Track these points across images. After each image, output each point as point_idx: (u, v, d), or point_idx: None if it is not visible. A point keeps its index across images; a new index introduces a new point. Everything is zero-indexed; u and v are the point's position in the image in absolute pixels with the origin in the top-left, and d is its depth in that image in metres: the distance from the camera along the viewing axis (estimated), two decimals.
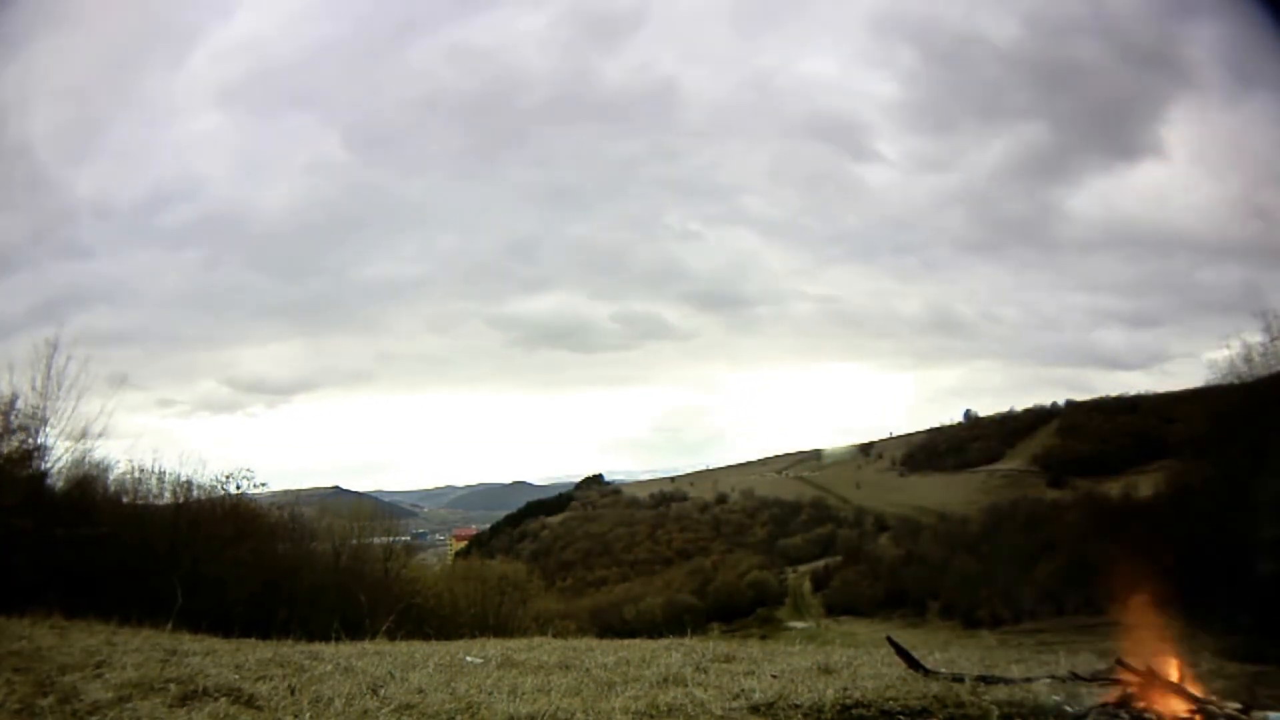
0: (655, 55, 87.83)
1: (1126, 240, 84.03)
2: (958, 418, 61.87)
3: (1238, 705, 4.10)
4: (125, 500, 13.93)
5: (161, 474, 14.28)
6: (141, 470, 14.09)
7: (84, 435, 12.44)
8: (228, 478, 15.09)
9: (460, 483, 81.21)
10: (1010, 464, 54.53)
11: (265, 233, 70.45)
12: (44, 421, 12.09)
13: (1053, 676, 4.81)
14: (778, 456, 67.23)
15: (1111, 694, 4.16)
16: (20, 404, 11.91)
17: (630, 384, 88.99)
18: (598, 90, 78.67)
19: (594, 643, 8.18)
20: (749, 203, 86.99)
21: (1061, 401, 57.66)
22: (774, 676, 5.05)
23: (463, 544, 54.21)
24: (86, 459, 12.85)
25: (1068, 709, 4.13)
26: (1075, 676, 4.91)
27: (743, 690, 4.55)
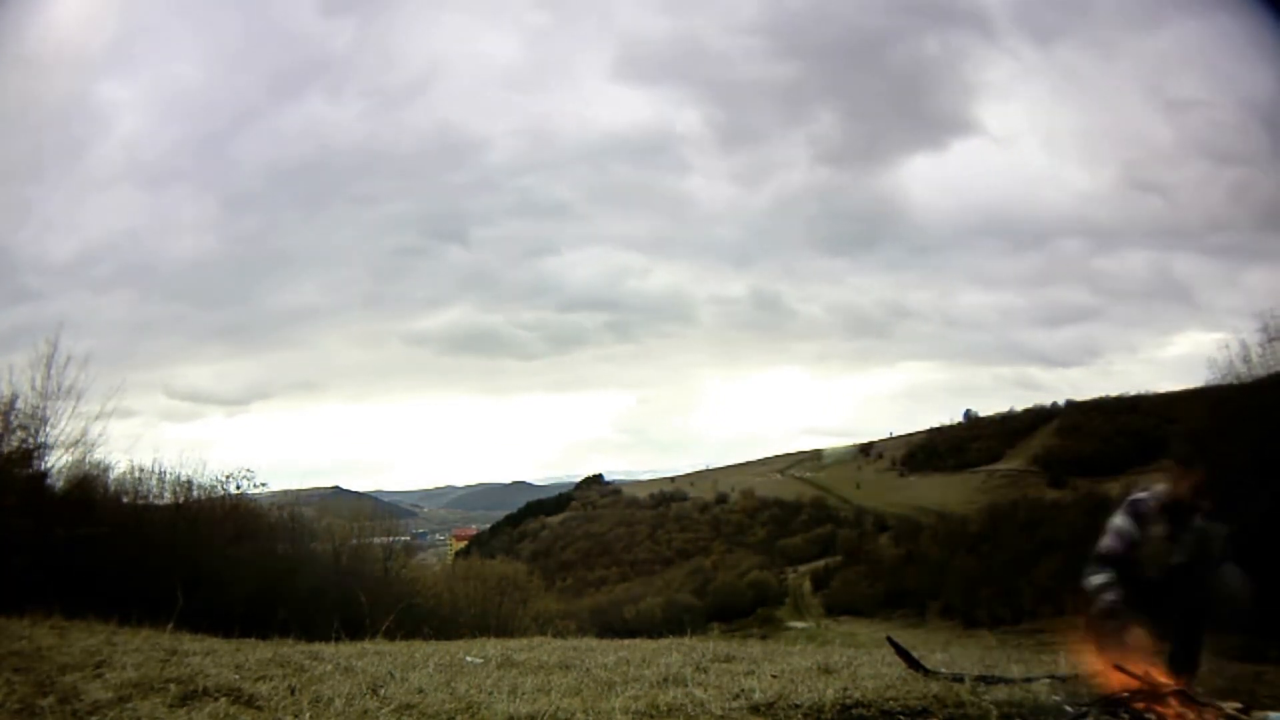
0: (449, 112, 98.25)
1: (996, 230, 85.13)
2: (958, 418, 61.97)
3: (1238, 705, 4.10)
4: (125, 500, 13.95)
5: (162, 474, 14.32)
6: (141, 470, 14.12)
7: (84, 435, 12.45)
8: (228, 478, 15.13)
9: (460, 483, 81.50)
10: (1010, 464, 54.60)
11: (185, 272, 79.69)
12: (44, 421, 12.11)
13: (1052, 676, 4.81)
14: (778, 456, 67.34)
15: (1111, 692, 4.16)
16: (20, 404, 11.92)
17: (562, 390, 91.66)
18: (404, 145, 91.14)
19: (594, 643, 8.18)
20: (601, 222, 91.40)
21: (1061, 401, 57.80)
22: (774, 676, 5.05)
23: (463, 544, 54.30)
24: (86, 459, 12.86)
25: (1068, 709, 4.12)
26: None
27: (743, 690, 4.55)
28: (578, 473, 68.64)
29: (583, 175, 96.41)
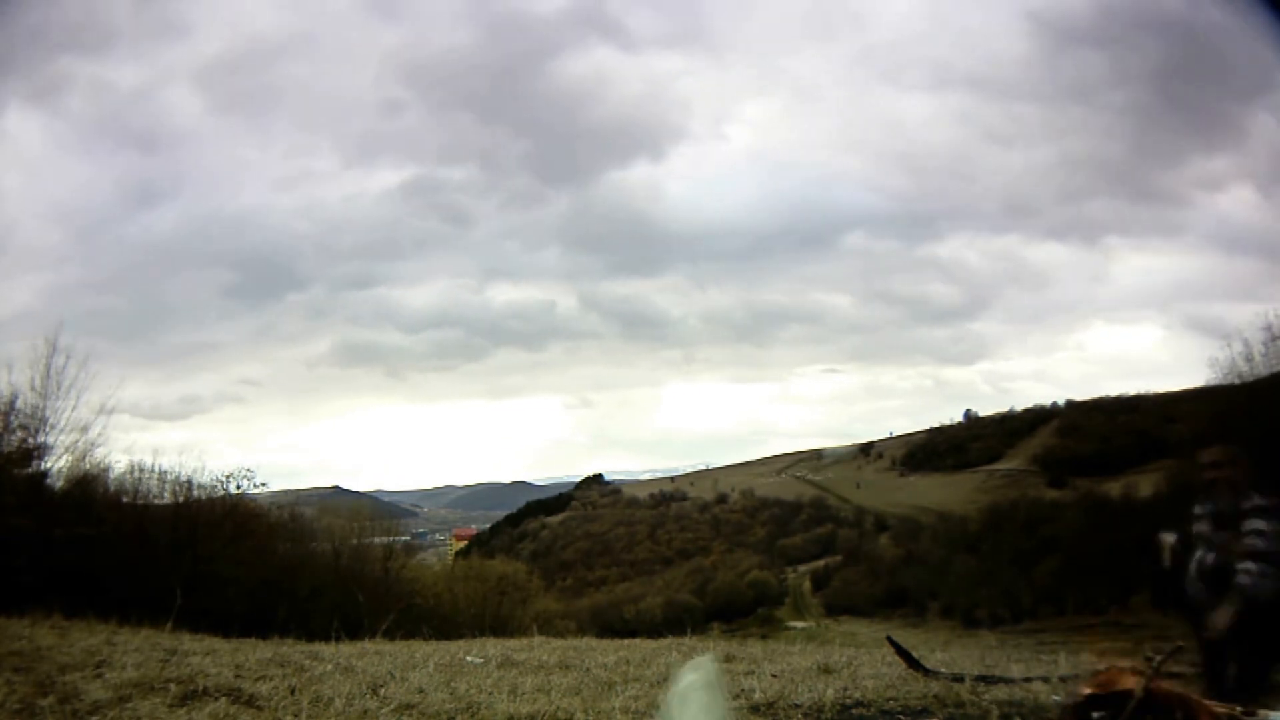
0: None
1: (721, 233, 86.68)
2: (958, 417, 61.97)
3: (1238, 705, 4.10)
4: (125, 500, 13.95)
5: (162, 474, 14.32)
6: (141, 470, 14.12)
7: (84, 435, 12.46)
8: (228, 478, 15.13)
9: (460, 483, 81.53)
10: (1010, 464, 54.55)
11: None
12: (44, 421, 12.11)
13: (1052, 677, 4.81)
14: (778, 456, 67.33)
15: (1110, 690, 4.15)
16: (20, 404, 11.93)
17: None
18: None
19: (594, 643, 8.18)
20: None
21: (1061, 401, 57.78)
22: (774, 676, 5.05)
23: (463, 544, 54.20)
24: (86, 459, 12.86)
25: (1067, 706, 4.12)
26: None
27: (743, 690, 4.55)
28: (577, 473, 68.68)
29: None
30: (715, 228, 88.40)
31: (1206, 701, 3.96)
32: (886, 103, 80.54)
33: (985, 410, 61.36)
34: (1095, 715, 3.85)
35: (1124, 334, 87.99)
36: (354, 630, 8.30)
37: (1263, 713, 3.86)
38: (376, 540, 19.06)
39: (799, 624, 42.38)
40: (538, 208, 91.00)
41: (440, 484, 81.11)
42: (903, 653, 5.26)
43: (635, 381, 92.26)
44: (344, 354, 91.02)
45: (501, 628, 13.26)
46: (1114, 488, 38.06)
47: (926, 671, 4.94)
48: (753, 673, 5.18)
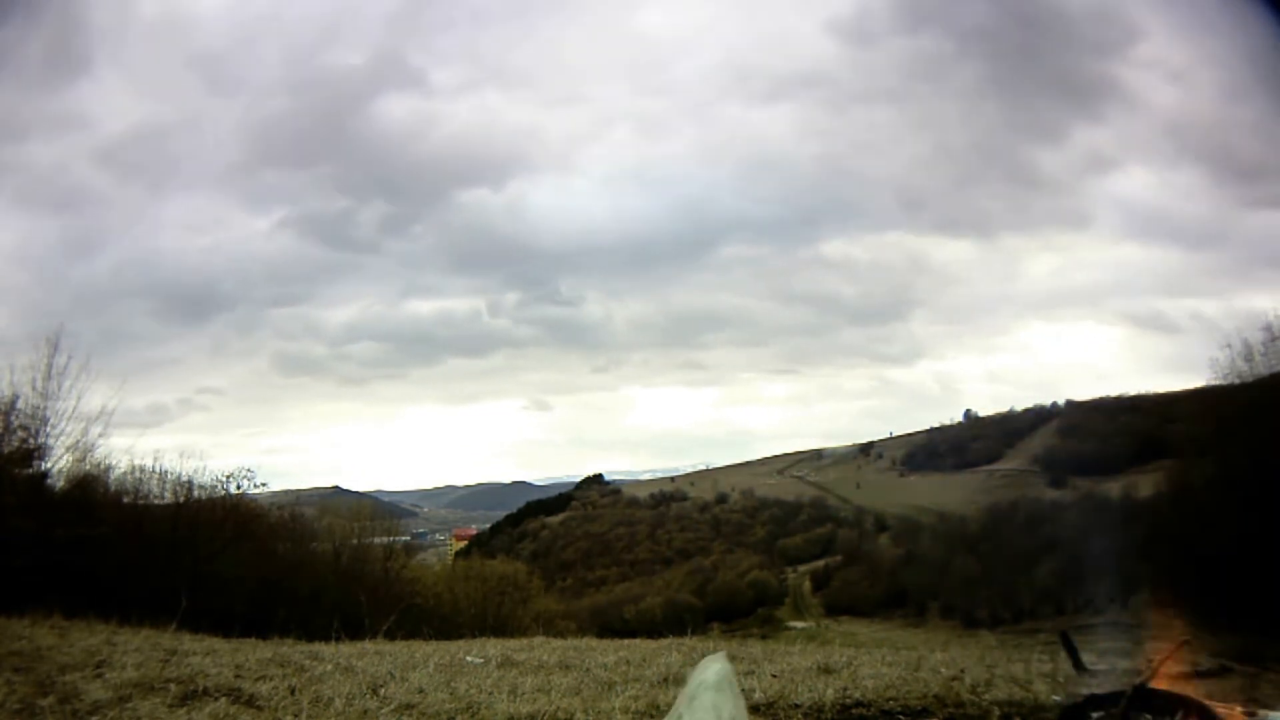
0: None
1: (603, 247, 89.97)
2: (958, 417, 61.98)
3: (1238, 706, 4.10)
4: (125, 500, 13.94)
5: (162, 474, 14.31)
6: (142, 470, 14.11)
7: (84, 435, 12.45)
8: (228, 478, 15.11)
9: (460, 483, 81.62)
10: (1010, 464, 54.58)
11: None
12: (44, 421, 12.10)
13: (1052, 677, 4.81)
14: (778, 456, 67.36)
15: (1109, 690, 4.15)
16: (20, 404, 11.92)
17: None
18: None
19: (594, 643, 8.18)
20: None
21: (1061, 401, 57.79)
22: (774, 676, 5.05)
23: (463, 544, 54.19)
24: (87, 459, 12.85)
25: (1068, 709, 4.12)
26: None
27: (743, 690, 4.55)
28: (577, 472, 68.71)
29: None
30: (598, 241, 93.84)
31: (1207, 702, 3.96)
32: (735, 116, 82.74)
33: (984, 410, 61.34)
34: (1095, 715, 3.86)
35: (1066, 333, 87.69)
36: (354, 630, 8.30)
37: (1262, 712, 3.86)
38: (376, 540, 19.04)
39: (799, 624, 42.38)
40: (413, 234, 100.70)
41: (440, 484, 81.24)
42: (1071, 650, 5.12)
43: (586, 386, 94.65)
44: (284, 364, 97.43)
45: (501, 628, 13.26)
46: (1114, 488, 38.03)
47: (1087, 671, 4.83)
48: (753, 673, 5.17)
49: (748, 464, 66.55)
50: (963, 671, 5.05)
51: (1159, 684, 3.98)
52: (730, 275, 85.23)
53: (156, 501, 14.29)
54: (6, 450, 11.77)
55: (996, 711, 4.07)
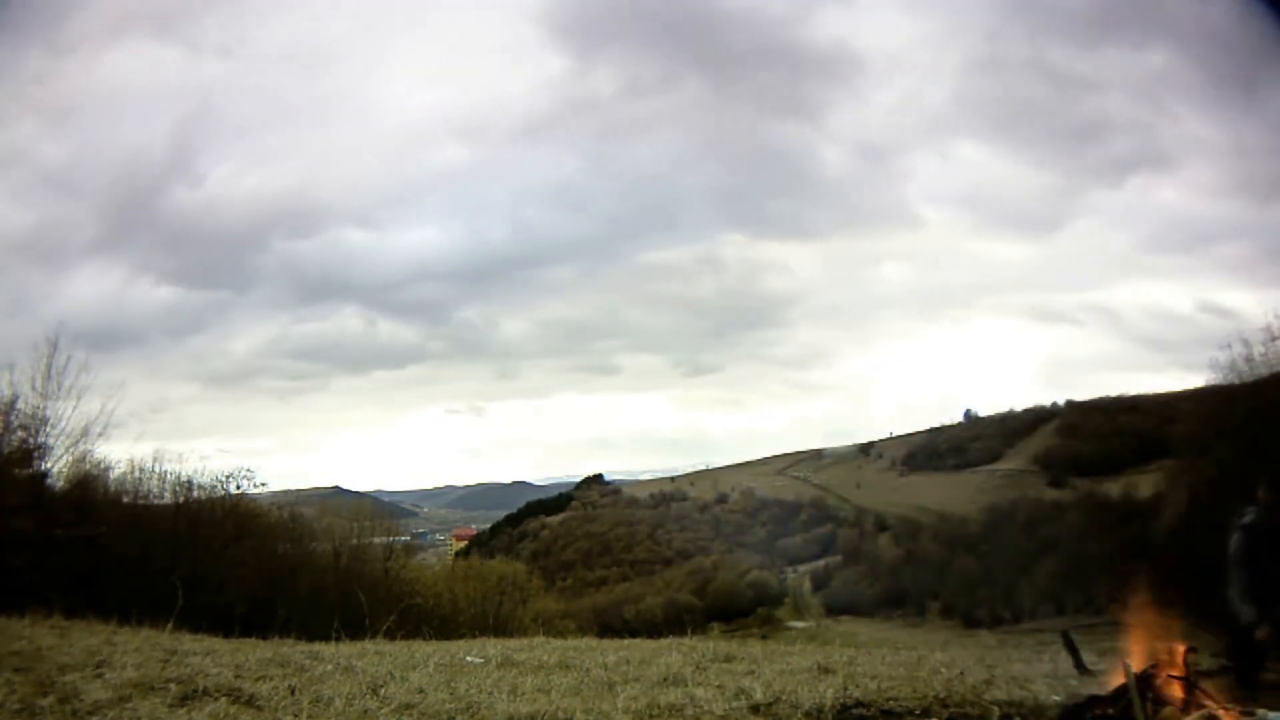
0: None
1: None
2: (958, 417, 61.96)
3: (1238, 706, 4.10)
4: (125, 500, 13.95)
5: (162, 474, 14.32)
6: (141, 470, 14.12)
7: (84, 435, 12.46)
8: (228, 477, 15.13)
9: (460, 483, 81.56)
10: (1010, 464, 54.48)
11: None
12: (44, 421, 12.11)
13: (1052, 677, 4.81)
14: (778, 456, 67.29)
15: (1111, 691, 4.15)
16: (20, 404, 11.93)
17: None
18: None
19: (594, 643, 8.18)
20: None
21: (1061, 401, 57.74)
22: (774, 676, 5.05)
23: (463, 544, 54.12)
24: (87, 459, 12.86)
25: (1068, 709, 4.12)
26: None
27: (743, 690, 4.55)
28: (578, 472, 68.65)
29: None
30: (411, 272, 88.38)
31: (1207, 701, 3.96)
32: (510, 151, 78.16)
33: (984, 410, 61.30)
34: (1095, 715, 3.86)
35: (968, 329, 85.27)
36: (354, 630, 8.29)
37: (1261, 712, 3.86)
38: (377, 540, 19.07)
39: (799, 624, 42.34)
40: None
41: (440, 484, 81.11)
42: (1071, 650, 5.15)
43: (500, 394, 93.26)
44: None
45: (501, 628, 13.27)
46: (1114, 488, 38.03)
47: (1087, 671, 4.86)
48: (753, 673, 5.18)
49: (748, 464, 66.48)
50: (963, 671, 5.05)
51: (1159, 683, 3.98)
52: (593, 286, 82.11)
53: (156, 501, 14.31)
54: (6, 450, 11.78)
55: (996, 711, 4.07)
